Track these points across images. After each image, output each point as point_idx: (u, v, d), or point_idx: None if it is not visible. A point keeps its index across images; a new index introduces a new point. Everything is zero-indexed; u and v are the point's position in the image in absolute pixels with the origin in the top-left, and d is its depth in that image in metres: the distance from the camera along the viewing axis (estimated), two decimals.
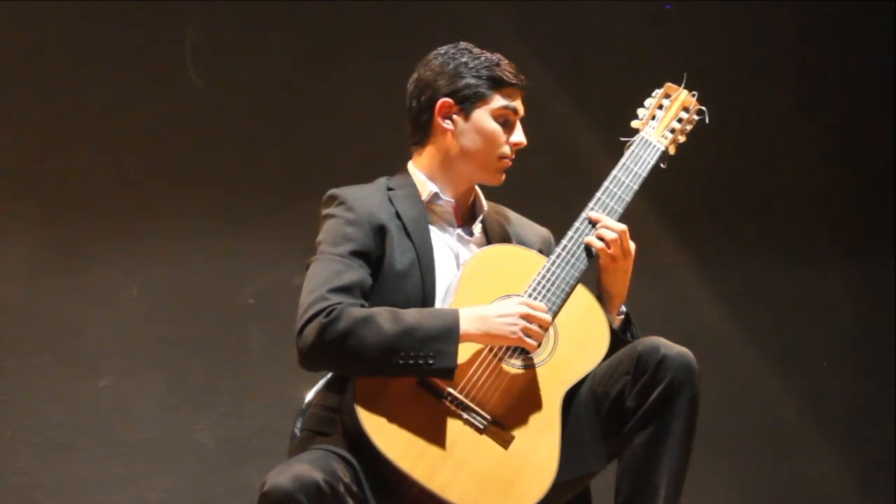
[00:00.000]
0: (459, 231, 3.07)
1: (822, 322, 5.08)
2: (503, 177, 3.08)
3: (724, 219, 5.02)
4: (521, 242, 3.11)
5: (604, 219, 2.98)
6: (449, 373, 2.79)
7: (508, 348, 2.88)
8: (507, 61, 3.06)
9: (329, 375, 3.01)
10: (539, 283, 2.92)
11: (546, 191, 4.30)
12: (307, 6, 4.60)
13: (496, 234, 3.10)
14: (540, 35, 4.79)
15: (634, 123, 3.12)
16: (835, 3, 5.04)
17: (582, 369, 2.91)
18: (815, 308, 5.08)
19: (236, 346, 4.51)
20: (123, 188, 4.45)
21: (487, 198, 3.15)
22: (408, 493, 2.78)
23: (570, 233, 2.97)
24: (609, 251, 2.96)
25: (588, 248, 2.96)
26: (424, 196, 3.05)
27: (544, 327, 2.86)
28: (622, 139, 3.09)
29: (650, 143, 3.07)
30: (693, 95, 3.15)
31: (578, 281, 2.94)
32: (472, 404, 2.83)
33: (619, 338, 2.99)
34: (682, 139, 3.13)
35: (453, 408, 2.82)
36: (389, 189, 3.05)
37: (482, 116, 3.03)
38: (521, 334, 2.83)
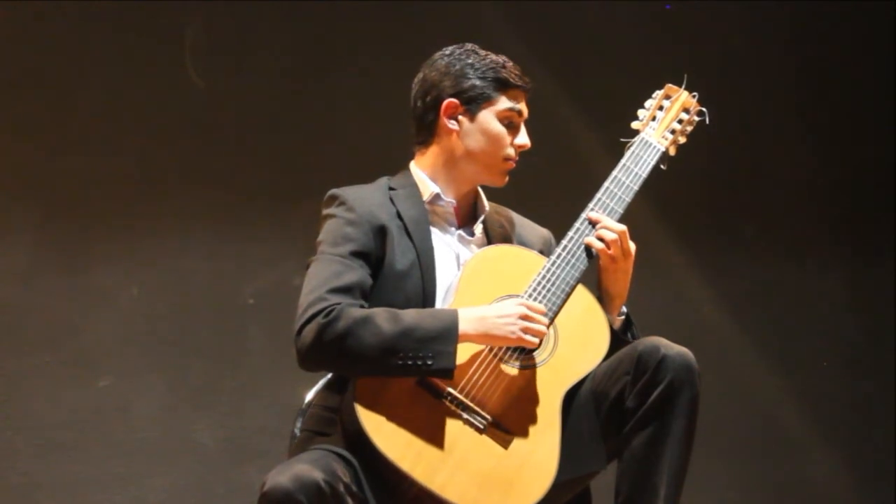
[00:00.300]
0: (460, 231, 3.07)
1: (822, 322, 5.08)
2: (507, 178, 3.08)
3: (724, 219, 5.02)
4: (522, 243, 3.11)
5: (604, 219, 2.98)
6: (448, 373, 2.79)
7: (508, 348, 2.88)
8: (512, 63, 3.07)
9: (329, 376, 3.01)
10: (539, 283, 2.92)
11: (546, 191, 4.30)
12: (307, 6, 4.60)
13: (497, 235, 3.10)
14: (540, 35, 4.79)
15: (635, 124, 3.12)
16: (835, 3, 5.04)
17: (582, 369, 2.91)
18: (815, 308, 5.08)
19: (236, 346, 4.51)
20: (123, 188, 4.45)
21: (488, 198, 3.15)
22: (407, 492, 2.78)
23: (570, 233, 2.97)
24: (609, 252, 2.96)
25: (588, 249, 2.96)
26: (426, 196, 3.05)
27: (543, 328, 2.86)
28: (622, 140, 3.09)
29: (650, 144, 3.07)
30: (693, 96, 3.15)
31: (578, 281, 2.94)
32: (471, 404, 2.83)
33: (619, 338, 3.00)
34: (682, 140, 3.13)
35: (453, 408, 2.82)
36: (391, 189, 3.05)
37: (488, 118, 3.03)
38: (520, 334, 2.83)
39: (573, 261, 2.94)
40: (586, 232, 2.97)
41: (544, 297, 2.90)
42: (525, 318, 2.84)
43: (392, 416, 2.78)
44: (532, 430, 2.85)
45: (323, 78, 4.62)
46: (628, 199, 3.01)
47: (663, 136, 3.10)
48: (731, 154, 5.00)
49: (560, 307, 2.91)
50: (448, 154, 3.06)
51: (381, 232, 2.95)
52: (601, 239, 2.97)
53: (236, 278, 4.54)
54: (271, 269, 4.52)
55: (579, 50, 4.88)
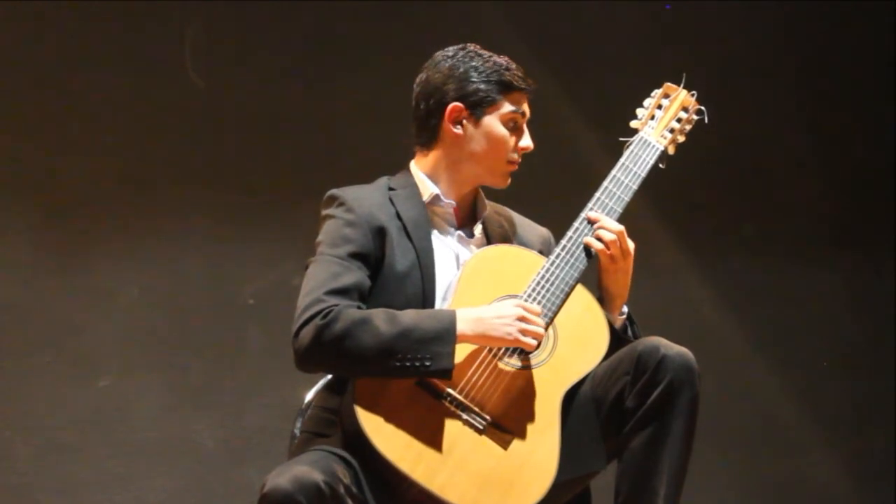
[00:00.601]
0: (460, 232, 3.07)
1: (822, 322, 5.08)
2: (509, 180, 3.08)
3: (724, 219, 5.02)
4: (522, 243, 3.10)
5: (602, 219, 2.97)
6: (446, 374, 2.79)
7: (508, 348, 2.88)
8: (515, 64, 3.06)
9: (328, 377, 3.01)
10: (538, 283, 2.91)
11: (545, 191, 4.30)
12: (307, 6, 4.60)
13: (497, 235, 3.10)
14: (540, 35, 4.79)
15: (633, 123, 3.11)
16: (835, 2, 5.04)
17: (581, 369, 2.91)
18: (815, 308, 5.08)
19: (236, 346, 4.52)
20: (123, 188, 4.45)
21: (488, 197, 3.15)
22: (407, 493, 2.78)
23: (569, 233, 2.97)
24: (608, 252, 2.96)
25: (587, 249, 2.96)
26: (426, 197, 3.04)
27: (541, 329, 2.85)
28: (621, 139, 3.09)
29: (649, 143, 3.07)
30: (692, 95, 3.14)
31: (578, 281, 2.94)
32: (471, 405, 2.83)
33: (620, 338, 3.00)
34: (681, 139, 3.12)
35: (453, 408, 2.82)
36: (390, 189, 3.05)
37: (492, 122, 3.02)
38: (517, 335, 2.82)
39: (572, 261, 2.94)
40: (585, 231, 2.97)
41: (543, 296, 2.90)
42: (522, 319, 2.83)
43: (391, 417, 2.78)
44: (532, 430, 2.84)
45: (323, 78, 4.62)
46: (627, 199, 3.00)
47: (662, 136, 3.09)
48: (730, 154, 4.99)
49: (559, 307, 2.91)
50: (451, 157, 3.05)
51: (380, 233, 2.95)
52: (600, 239, 2.96)
53: (236, 278, 4.54)
54: (271, 269, 4.52)
55: (579, 50, 4.88)
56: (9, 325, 4.33)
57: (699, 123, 3.14)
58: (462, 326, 2.81)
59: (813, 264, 5.09)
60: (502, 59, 3.06)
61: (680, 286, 4.98)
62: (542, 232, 3.20)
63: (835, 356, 5.09)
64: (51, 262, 4.39)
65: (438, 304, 2.94)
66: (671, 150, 3.10)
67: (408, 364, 2.77)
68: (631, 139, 3.09)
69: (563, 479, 2.83)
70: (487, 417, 2.83)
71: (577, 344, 2.92)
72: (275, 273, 4.50)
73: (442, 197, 3.05)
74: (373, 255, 2.93)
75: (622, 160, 3.04)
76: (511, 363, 2.88)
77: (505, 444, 2.83)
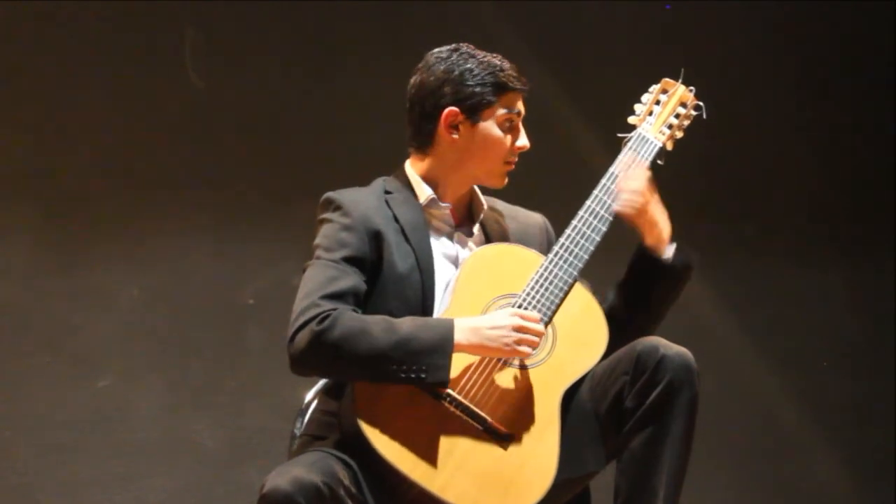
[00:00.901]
0: (458, 232, 3.06)
1: (822, 322, 5.08)
2: (506, 179, 3.07)
3: (724, 219, 5.02)
4: (520, 237, 3.09)
5: (617, 198, 2.96)
6: (442, 385, 2.79)
7: None
8: (509, 64, 3.03)
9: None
10: (537, 282, 2.91)
11: (545, 190, 4.30)
12: (307, 6, 4.60)
13: (495, 232, 3.09)
14: (540, 35, 4.79)
15: (631, 119, 3.10)
16: (835, 2, 5.04)
17: (580, 369, 2.90)
18: (815, 308, 5.08)
19: (236, 346, 4.52)
20: (123, 188, 4.46)
21: (483, 192, 3.14)
22: (407, 494, 2.78)
23: (568, 231, 2.96)
24: (639, 203, 2.95)
25: (588, 245, 2.94)
26: (422, 200, 3.03)
27: (538, 337, 2.85)
28: (619, 135, 3.08)
29: (647, 139, 3.06)
30: (690, 90, 3.13)
31: (576, 280, 2.94)
32: (471, 405, 2.83)
33: (685, 262, 2.99)
34: (679, 135, 3.11)
35: (452, 409, 2.82)
36: (387, 192, 3.04)
37: (489, 124, 3.01)
38: (513, 346, 2.82)
39: (571, 259, 2.93)
40: (584, 230, 2.96)
41: (542, 295, 2.90)
42: (519, 328, 2.83)
43: (391, 418, 2.78)
44: (531, 430, 2.84)
45: (323, 78, 4.62)
46: None
47: (660, 131, 3.08)
48: (730, 154, 4.99)
49: (558, 306, 2.91)
50: (447, 161, 3.04)
51: (376, 237, 2.94)
52: (626, 206, 2.95)
53: (236, 278, 4.54)
54: (271, 269, 4.52)
55: (579, 50, 4.87)
56: (9, 326, 4.34)
57: (698, 120, 3.13)
58: (459, 337, 2.81)
59: (813, 264, 5.09)
60: (496, 60, 3.03)
61: None
62: (536, 219, 3.18)
63: (835, 356, 5.09)
64: (51, 262, 4.39)
65: (438, 305, 2.94)
66: (669, 146, 3.09)
67: (402, 375, 2.77)
68: (629, 135, 3.08)
69: (562, 478, 2.83)
70: (487, 418, 2.83)
71: (576, 343, 2.92)
72: (275, 273, 4.50)
73: (439, 200, 3.04)
74: (369, 260, 2.92)
75: (620, 157, 3.04)
76: (510, 363, 2.88)
77: (505, 445, 2.82)
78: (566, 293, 2.92)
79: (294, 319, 2.83)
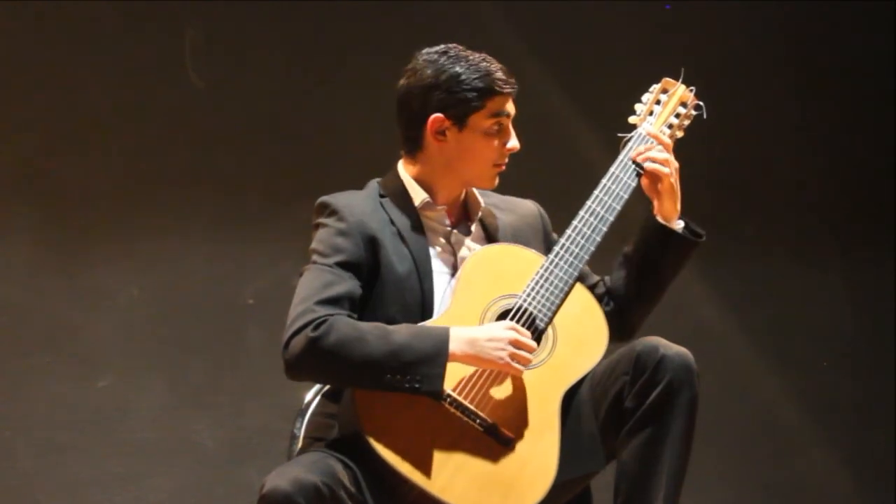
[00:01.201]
0: (455, 232, 3.05)
1: (821, 322, 5.08)
2: (497, 180, 3.06)
3: (724, 219, 5.02)
4: (519, 229, 3.09)
5: (645, 150, 2.99)
6: (436, 395, 2.79)
7: None
8: (497, 66, 2.99)
9: None
10: (537, 282, 2.91)
11: (545, 190, 4.29)
12: (307, 6, 4.59)
13: (493, 228, 3.08)
14: (540, 35, 4.79)
15: (632, 119, 3.10)
16: (835, 2, 5.04)
17: (580, 369, 2.90)
18: (814, 308, 5.08)
19: (236, 346, 4.52)
20: (123, 188, 4.46)
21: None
22: (407, 495, 2.77)
23: (568, 231, 2.96)
24: (669, 170, 2.98)
25: (589, 245, 2.94)
26: (417, 202, 3.02)
27: (531, 353, 2.84)
28: (619, 135, 3.08)
29: (648, 140, 3.06)
30: (691, 90, 3.12)
31: (577, 280, 2.94)
32: (471, 406, 2.83)
33: (693, 234, 3.04)
34: (679, 134, 3.10)
35: (452, 410, 2.82)
36: (381, 196, 3.03)
37: (476, 129, 2.98)
38: (507, 360, 2.81)
39: (571, 259, 2.93)
40: (585, 230, 2.96)
41: (542, 296, 2.90)
42: (514, 343, 2.82)
43: (391, 420, 2.78)
44: (531, 431, 2.84)
45: (322, 78, 4.62)
46: (626, 196, 3.00)
47: (660, 131, 3.08)
48: (730, 154, 4.99)
49: (558, 306, 2.90)
50: (436, 164, 3.02)
51: (372, 241, 2.93)
52: (654, 161, 2.99)
53: (236, 278, 4.54)
54: (271, 269, 4.52)
55: (579, 50, 4.87)
56: (9, 326, 4.33)
57: (698, 120, 3.13)
58: (454, 347, 2.80)
59: (813, 264, 5.09)
60: (485, 62, 2.99)
61: (680, 286, 4.96)
62: (530, 208, 3.17)
63: (835, 356, 5.09)
64: (51, 262, 4.39)
65: (437, 306, 2.94)
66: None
67: (396, 385, 2.77)
68: (629, 135, 3.08)
69: (562, 479, 2.83)
70: (487, 419, 2.82)
71: (576, 344, 2.92)
72: (275, 273, 4.50)
73: (433, 203, 3.04)
74: (365, 264, 2.92)
75: (621, 156, 3.04)
76: None
77: (505, 446, 2.82)
78: (566, 293, 2.92)
79: (289, 325, 2.83)
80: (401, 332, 2.81)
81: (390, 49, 4.54)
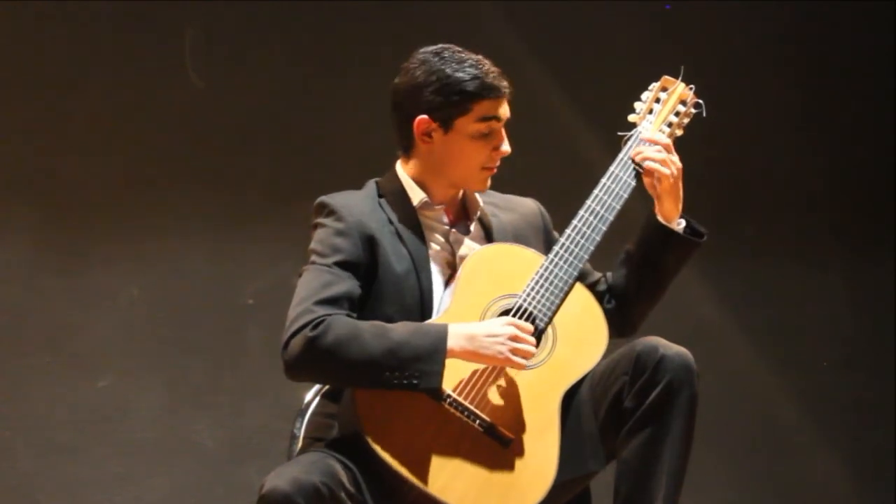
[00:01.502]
0: (454, 231, 3.05)
1: (821, 322, 5.08)
2: (488, 183, 3.04)
3: (724, 219, 5.01)
4: (520, 228, 3.09)
5: (643, 150, 2.99)
6: (434, 392, 2.79)
7: None
8: (490, 69, 2.97)
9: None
10: (537, 282, 2.91)
11: (544, 190, 4.30)
12: (307, 6, 4.60)
13: (494, 225, 3.07)
14: (540, 35, 4.79)
15: (631, 117, 3.09)
16: (835, 2, 5.04)
17: (580, 369, 2.90)
18: (814, 308, 5.08)
19: (236, 346, 4.52)
20: (123, 188, 4.46)
21: None
22: (407, 496, 2.78)
23: (568, 231, 2.96)
24: (669, 170, 2.97)
25: (589, 245, 2.94)
26: (415, 202, 3.02)
27: (533, 348, 2.84)
28: (619, 133, 3.08)
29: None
30: (690, 88, 3.12)
31: (576, 280, 2.94)
32: (471, 406, 2.82)
33: (694, 232, 3.03)
34: (679, 133, 3.10)
35: (452, 410, 2.81)
36: (380, 196, 3.03)
37: (462, 131, 2.97)
38: (508, 355, 2.81)
39: (571, 259, 2.93)
40: (585, 230, 2.96)
41: (542, 295, 2.90)
42: (514, 338, 2.82)
43: (391, 420, 2.78)
44: (531, 431, 2.84)
45: (323, 78, 4.62)
46: (626, 195, 3.00)
47: (660, 129, 3.07)
48: (730, 154, 4.99)
49: (558, 306, 2.90)
50: (427, 165, 3.02)
51: (370, 241, 2.93)
52: (655, 162, 2.98)
53: (236, 278, 4.54)
54: (271, 269, 4.52)
55: (579, 50, 4.87)
56: (8, 326, 4.33)
57: (698, 118, 3.12)
58: (452, 343, 2.80)
59: (813, 264, 5.09)
60: (477, 65, 2.96)
61: (680, 286, 4.96)
62: (531, 206, 3.17)
63: (835, 356, 5.09)
64: (51, 262, 4.39)
65: (436, 305, 2.94)
66: None
67: (395, 382, 2.77)
68: (629, 133, 3.07)
69: (562, 479, 2.83)
70: (487, 419, 2.82)
71: (576, 344, 2.92)
72: (275, 273, 4.50)
73: (431, 203, 3.03)
74: (363, 264, 2.92)
75: (621, 156, 3.04)
76: None
77: (505, 446, 2.82)
78: (566, 293, 2.92)
79: (288, 325, 2.83)
80: (399, 329, 2.81)
81: (390, 49, 4.54)
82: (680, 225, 3.05)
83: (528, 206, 3.17)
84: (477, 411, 2.82)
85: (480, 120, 2.97)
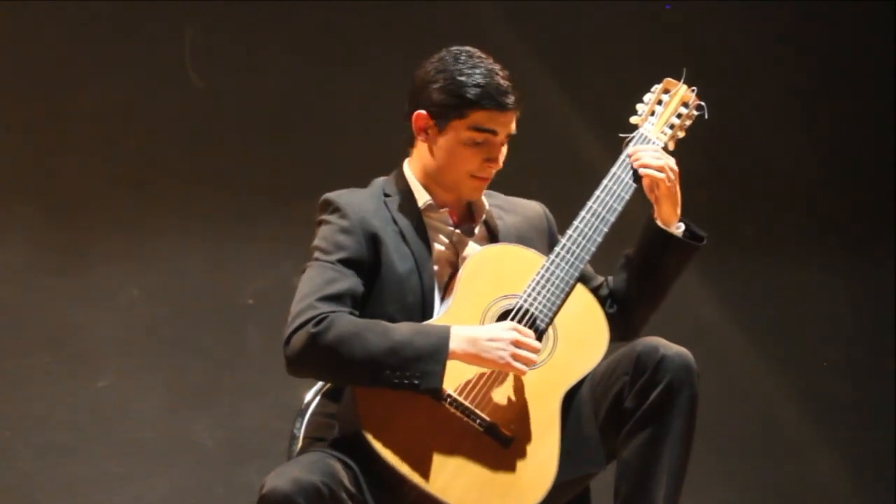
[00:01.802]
0: (458, 232, 3.05)
1: (821, 322, 5.08)
2: (479, 192, 3.04)
3: (724, 219, 5.02)
4: (524, 230, 3.09)
5: (640, 154, 2.98)
6: (435, 393, 2.78)
7: None
8: (499, 80, 2.95)
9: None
10: (538, 282, 2.91)
11: (544, 190, 4.30)
12: (307, 6, 4.60)
13: (499, 228, 3.07)
14: (540, 35, 4.79)
15: (633, 119, 3.10)
16: (835, 2, 5.04)
17: (581, 370, 2.90)
18: (814, 308, 5.08)
19: (236, 346, 4.52)
20: (123, 188, 4.46)
21: None
22: (408, 496, 2.77)
23: (569, 231, 2.96)
24: (664, 175, 2.97)
25: (590, 246, 2.94)
26: (420, 203, 3.02)
27: (534, 354, 2.84)
28: (621, 135, 3.08)
29: (649, 140, 3.06)
30: (692, 90, 3.12)
31: (577, 280, 2.94)
32: (471, 406, 2.82)
33: (690, 240, 3.02)
34: (681, 135, 3.10)
35: (453, 410, 2.81)
36: (385, 195, 3.03)
37: (453, 136, 2.97)
38: (509, 360, 2.81)
39: (572, 259, 2.93)
40: (586, 230, 2.96)
41: (543, 296, 2.90)
42: (516, 343, 2.82)
43: (391, 420, 2.78)
44: (532, 431, 2.84)
45: (323, 78, 4.62)
46: (627, 196, 3.00)
47: (662, 132, 3.08)
48: (731, 154, 4.99)
49: (559, 307, 2.90)
50: (425, 162, 3.03)
51: (374, 239, 2.93)
52: (651, 169, 2.97)
53: (236, 278, 4.54)
54: (271, 269, 4.52)
55: (579, 50, 4.87)
56: (8, 326, 4.33)
57: (699, 120, 3.12)
58: (454, 345, 2.80)
59: (813, 264, 5.09)
60: (487, 75, 2.94)
61: (680, 286, 4.96)
62: (536, 209, 3.17)
63: (835, 356, 5.09)
64: (51, 262, 4.39)
65: (437, 305, 2.94)
66: (671, 146, 3.09)
67: (396, 381, 2.77)
68: (631, 135, 3.07)
69: (562, 479, 2.83)
70: (487, 419, 2.82)
71: (577, 344, 2.92)
72: (275, 273, 4.50)
73: (435, 205, 3.03)
74: (366, 262, 2.92)
75: (622, 157, 3.04)
76: None
77: (505, 446, 2.82)
78: (567, 294, 2.92)
79: (291, 321, 2.83)
80: (402, 329, 2.81)
81: (391, 49, 4.57)
82: (679, 229, 3.05)
83: (533, 208, 3.17)
84: (477, 411, 2.82)
85: (473, 128, 2.96)
